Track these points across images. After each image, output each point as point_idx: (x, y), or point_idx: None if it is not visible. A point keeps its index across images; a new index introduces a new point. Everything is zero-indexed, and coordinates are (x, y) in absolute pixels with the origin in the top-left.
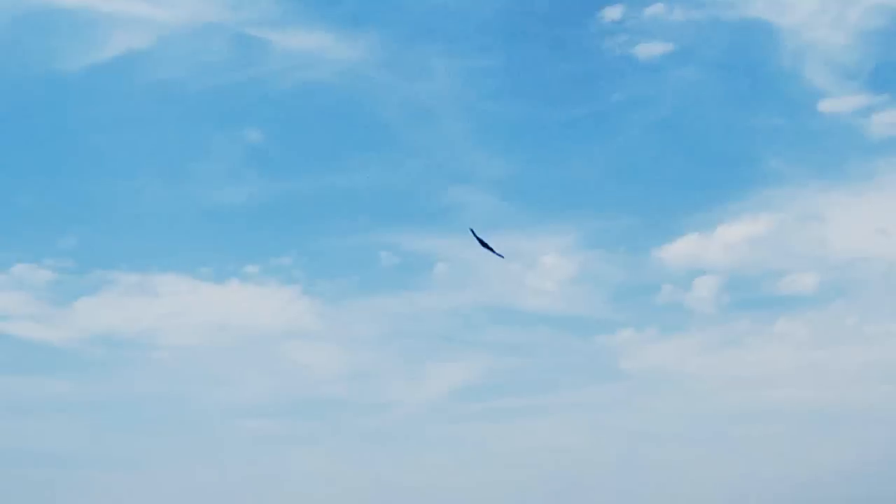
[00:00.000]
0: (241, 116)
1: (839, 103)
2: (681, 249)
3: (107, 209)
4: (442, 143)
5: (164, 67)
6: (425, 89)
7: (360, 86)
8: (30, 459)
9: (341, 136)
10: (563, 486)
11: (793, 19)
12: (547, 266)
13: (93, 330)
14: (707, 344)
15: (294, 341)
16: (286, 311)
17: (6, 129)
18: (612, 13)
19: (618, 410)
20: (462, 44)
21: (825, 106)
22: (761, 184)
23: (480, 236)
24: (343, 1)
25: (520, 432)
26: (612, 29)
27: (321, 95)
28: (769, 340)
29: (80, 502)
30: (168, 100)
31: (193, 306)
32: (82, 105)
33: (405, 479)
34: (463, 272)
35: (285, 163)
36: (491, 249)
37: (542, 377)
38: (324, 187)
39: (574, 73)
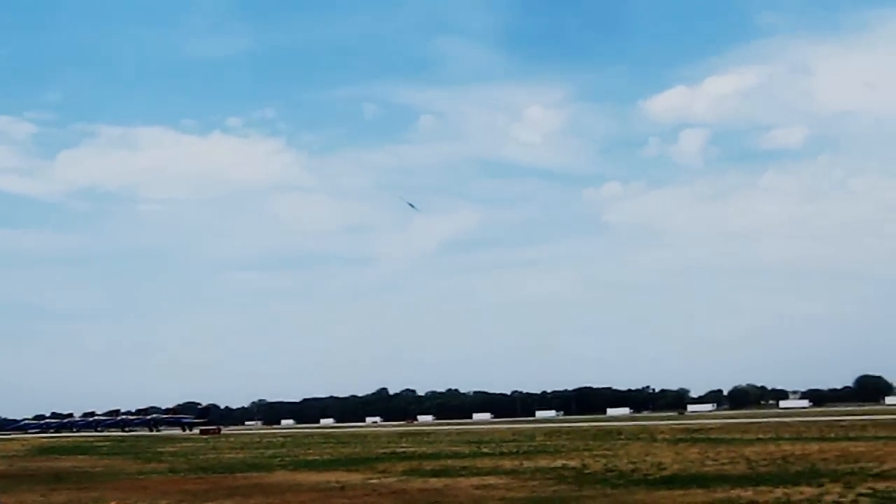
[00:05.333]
0: None
1: None
2: (668, 102)
3: (89, 61)
4: None
5: None
6: None
7: None
8: (14, 311)
9: None
10: (550, 336)
11: None
12: (533, 118)
13: (76, 183)
14: (693, 197)
15: (280, 194)
16: (271, 164)
17: None
18: None
19: (605, 263)
20: None
21: None
22: (751, 35)
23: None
24: None
25: (507, 284)
26: None
27: None
28: (756, 194)
29: (64, 352)
30: None
31: (177, 159)
32: None
33: (395, 330)
34: (448, 124)
35: (270, 14)
36: (412, 206)
37: (530, 230)
38: (308, 38)
39: None
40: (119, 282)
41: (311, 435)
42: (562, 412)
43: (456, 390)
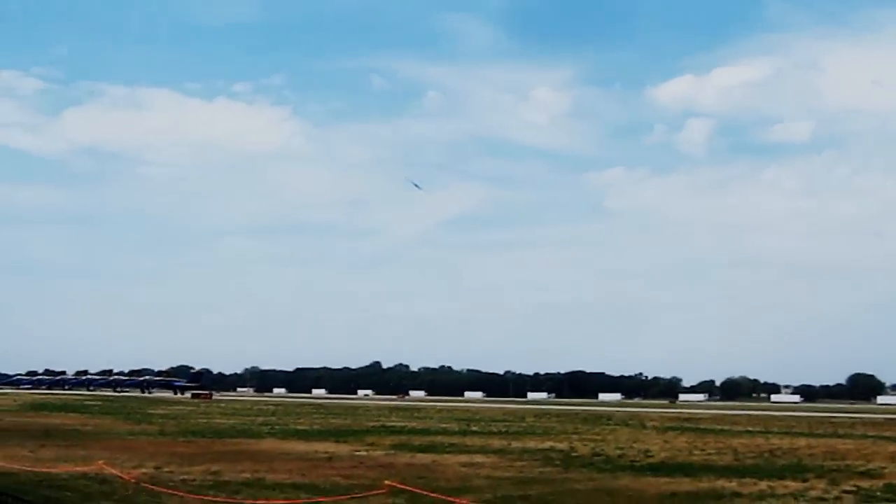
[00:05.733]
0: None
1: None
2: (675, 90)
3: (97, 19)
4: None
5: None
6: None
7: None
8: (12, 267)
9: None
10: (545, 317)
11: None
12: (539, 99)
13: (80, 141)
14: (696, 187)
15: (283, 162)
16: (275, 132)
17: None
18: None
19: (605, 248)
20: None
21: None
22: (761, 28)
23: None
24: None
25: (505, 264)
26: None
27: None
28: (758, 187)
29: (60, 310)
30: None
31: (181, 122)
32: None
33: (391, 303)
34: (454, 101)
35: None
36: (417, 186)
37: (531, 211)
38: (318, 8)
39: None
40: (118, 242)
41: (302, 405)
42: (553, 395)
43: (449, 367)
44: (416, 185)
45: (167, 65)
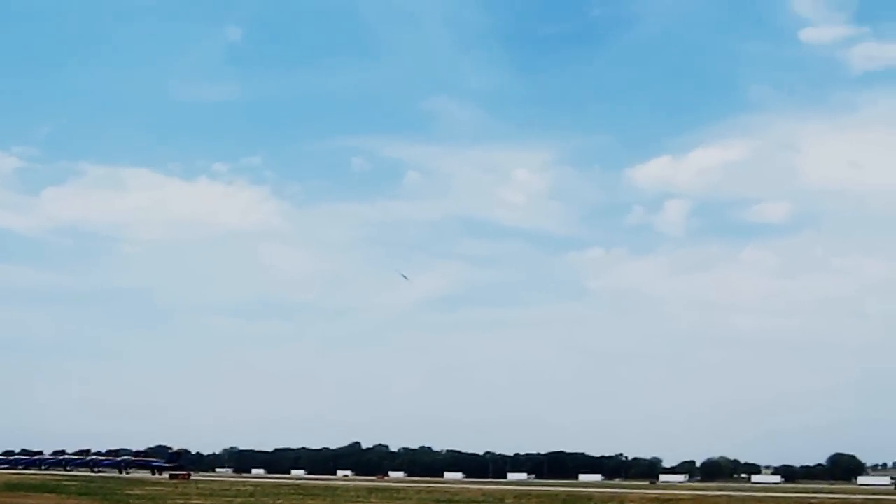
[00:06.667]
0: (222, 13)
1: (820, 33)
2: (653, 171)
3: (78, 100)
4: (424, 51)
5: None
6: None
7: None
8: None
9: (322, 39)
10: (525, 398)
11: None
12: (519, 180)
13: (60, 220)
14: (675, 267)
15: (262, 242)
16: (255, 212)
17: None
18: None
19: (584, 328)
20: None
21: (806, 35)
22: (739, 110)
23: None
24: None
25: (485, 344)
26: None
27: None
28: (737, 267)
29: (44, 390)
30: None
31: (162, 202)
32: None
33: (370, 383)
34: (435, 182)
35: (263, 63)
36: (405, 277)
37: (511, 291)
38: (299, 89)
39: None
40: (97, 320)
41: (281, 485)
42: (533, 475)
43: (429, 448)
44: (405, 277)
45: (147, 144)
